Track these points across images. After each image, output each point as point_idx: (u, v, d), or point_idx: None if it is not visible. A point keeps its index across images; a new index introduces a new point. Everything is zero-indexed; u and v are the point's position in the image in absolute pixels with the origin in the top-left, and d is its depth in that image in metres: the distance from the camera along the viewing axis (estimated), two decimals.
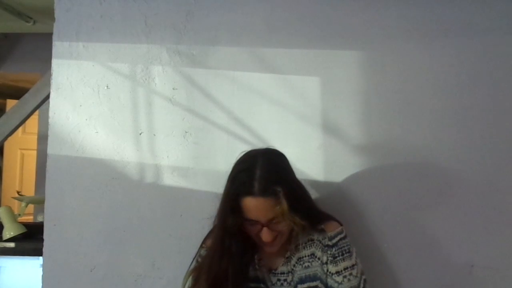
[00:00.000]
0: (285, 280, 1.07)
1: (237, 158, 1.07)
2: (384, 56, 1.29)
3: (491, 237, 1.24)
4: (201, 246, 1.14)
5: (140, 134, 1.36)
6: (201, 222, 1.30)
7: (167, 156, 1.34)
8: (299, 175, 1.08)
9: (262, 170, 0.98)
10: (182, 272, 1.29)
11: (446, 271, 1.24)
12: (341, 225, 1.09)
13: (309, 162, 1.28)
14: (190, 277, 1.09)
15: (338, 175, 1.27)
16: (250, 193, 0.96)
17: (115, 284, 1.34)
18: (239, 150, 1.30)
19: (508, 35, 1.26)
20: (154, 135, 1.35)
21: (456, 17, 1.27)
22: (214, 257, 1.03)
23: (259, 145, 1.30)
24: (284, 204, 0.94)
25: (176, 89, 1.35)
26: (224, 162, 1.32)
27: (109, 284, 1.34)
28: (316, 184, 1.27)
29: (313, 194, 1.22)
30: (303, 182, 1.08)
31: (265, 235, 0.98)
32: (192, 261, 1.14)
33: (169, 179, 1.34)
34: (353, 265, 1.04)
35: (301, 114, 1.30)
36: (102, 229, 1.35)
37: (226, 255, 1.01)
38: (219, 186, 1.31)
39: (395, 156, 1.27)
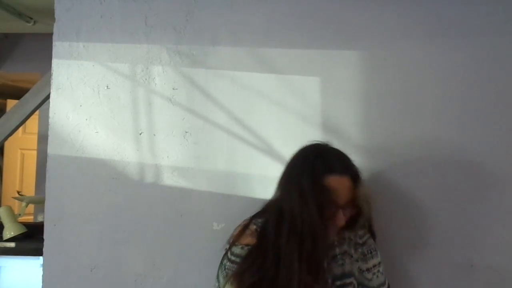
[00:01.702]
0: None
1: (298, 151, 1.04)
2: (384, 56, 1.29)
3: (491, 237, 1.24)
4: (233, 244, 1.05)
5: (140, 134, 1.36)
6: (201, 222, 1.30)
7: (167, 156, 1.34)
8: None
9: (339, 153, 1.02)
10: (182, 272, 1.30)
11: (446, 271, 1.24)
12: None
13: None
14: (230, 279, 1.01)
15: None
16: (336, 171, 0.96)
17: (115, 284, 1.34)
18: (239, 150, 1.31)
19: (508, 35, 1.26)
20: (154, 135, 1.35)
21: (456, 17, 1.27)
22: (304, 243, 0.94)
23: (259, 145, 1.31)
24: (360, 187, 0.97)
25: (176, 89, 1.35)
26: (224, 162, 1.32)
27: (109, 284, 1.34)
28: None
29: None
30: None
31: (341, 218, 0.97)
32: (222, 261, 1.06)
33: (169, 179, 1.34)
34: (379, 263, 1.09)
35: (301, 114, 1.30)
36: (102, 229, 1.35)
37: (321, 239, 0.95)
38: (219, 186, 1.31)
39: (395, 155, 1.27)
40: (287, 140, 1.29)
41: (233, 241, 1.07)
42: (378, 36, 1.29)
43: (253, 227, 1.06)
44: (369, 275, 1.08)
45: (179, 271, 1.31)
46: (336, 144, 1.25)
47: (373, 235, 1.12)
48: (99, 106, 1.37)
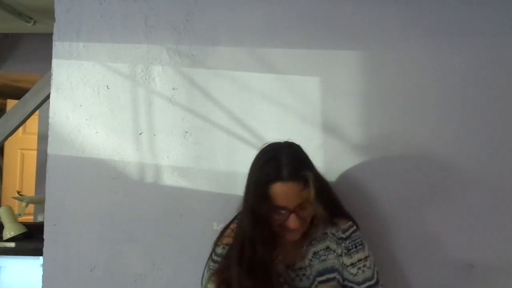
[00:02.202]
0: (303, 275, 1.08)
1: (259, 151, 1.08)
2: (384, 55, 1.29)
3: (491, 237, 1.24)
4: (216, 245, 1.11)
5: (140, 134, 1.36)
6: (201, 222, 1.30)
7: (167, 156, 1.34)
8: None
9: (289, 158, 1.00)
10: (182, 272, 1.30)
11: (446, 271, 1.24)
12: (356, 225, 1.11)
13: None
14: (212, 280, 1.07)
15: (338, 175, 1.27)
16: (279, 178, 0.97)
17: (115, 284, 1.34)
18: (239, 150, 1.31)
19: (508, 35, 1.26)
20: (154, 135, 1.35)
21: (456, 17, 1.27)
22: (245, 248, 1.01)
23: (259, 145, 1.30)
24: (312, 189, 0.96)
25: (176, 89, 1.35)
26: (224, 162, 1.32)
27: (109, 284, 1.34)
28: None
29: None
30: None
31: (293, 221, 0.98)
32: (207, 262, 1.11)
33: (169, 179, 1.34)
34: (366, 257, 1.08)
35: (301, 114, 1.30)
36: (102, 229, 1.35)
37: (258, 244, 1.00)
38: (219, 186, 1.31)
39: (395, 155, 1.27)
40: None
41: (216, 242, 1.12)
42: (378, 36, 1.29)
43: (233, 226, 1.11)
44: (353, 270, 1.06)
45: (179, 271, 1.31)
46: (336, 144, 1.25)
47: (350, 219, 1.11)
48: (99, 106, 1.37)
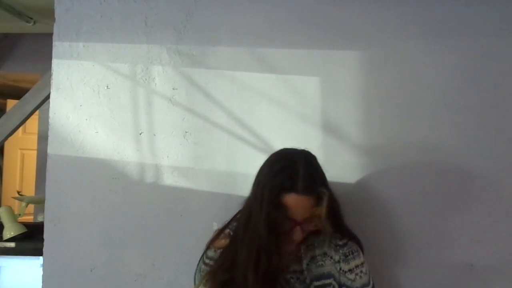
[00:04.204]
0: (297, 278, 1.07)
1: (273, 154, 1.06)
2: (384, 56, 1.29)
3: (491, 237, 1.24)
4: (208, 247, 1.12)
5: (140, 134, 1.36)
6: (201, 222, 1.30)
7: (167, 156, 1.34)
8: None
9: (306, 170, 0.98)
10: (182, 272, 1.30)
11: (446, 271, 1.24)
12: (361, 248, 1.10)
13: None
14: (204, 283, 1.06)
15: (338, 175, 1.27)
16: (294, 190, 0.95)
17: (115, 284, 1.34)
18: (239, 150, 1.31)
19: (508, 35, 1.26)
20: (154, 135, 1.35)
21: (456, 17, 1.27)
22: (260, 255, 0.98)
23: (259, 145, 1.31)
24: (325, 207, 0.95)
25: (176, 89, 1.35)
26: (224, 162, 1.32)
27: (109, 284, 1.34)
28: None
29: None
30: None
31: (298, 234, 0.99)
32: (198, 264, 1.12)
33: (169, 179, 1.34)
34: (362, 263, 1.08)
35: (301, 114, 1.30)
36: (102, 229, 1.35)
37: (274, 253, 0.98)
38: (219, 186, 1.32)
39: (395, 156, 1.27)
40: (287, 140, 1.29)
41: (208, 245, 1.12)
42: (378, 36, 1.29)
43: (227, 231, 1.11)
44: (351, 276, 1.06)
45: (179, 271, 1.31)
46: (336, 144, 1.25)
47: (354, 239, 1.10)
48: (99, 106, 1.37)
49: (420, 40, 1.28)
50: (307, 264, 1.08)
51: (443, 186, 1.25)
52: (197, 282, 1.10)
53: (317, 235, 1.07)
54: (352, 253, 1.07)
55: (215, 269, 1.04)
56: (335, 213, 1.05)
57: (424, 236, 1.25)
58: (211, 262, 1.08)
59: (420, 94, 1.27)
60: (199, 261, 1.13)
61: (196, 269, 1.13)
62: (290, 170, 0.98)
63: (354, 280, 1.06)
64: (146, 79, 1.37)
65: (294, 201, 0.96)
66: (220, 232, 1.13)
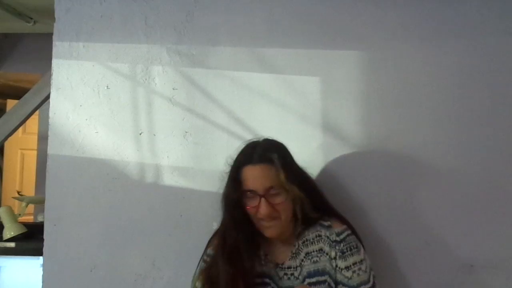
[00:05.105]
0: (292, 274, 1.07)
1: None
2: (384, 56, 1.29)
3: (491, 237, 1.24)
4: (207, 246, 1.15)
5: (140, 134, 1.36)
6: (201, 222, 1.30)
7: (167, 156, 1.34)
8: None
9: (262, 145, 1.06)
10: (182, 272, 1.30)
11: (446, 271, 1.24)
12: (346, 224, 1.10)
13: (309, 161, 1.27)
14: (199, 278, 1.09)
15: (337, 175, 1.27)
16: (249, 162, 1.02)
17: (115, 284, 1.34)
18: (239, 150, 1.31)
19: (508, 35, 1.26)
20: (154, 135, 1.35)
21: (456, 17, 1.27)
22: (226, 236, 1.06)
23: None
24: (280, 171, 0.99)
25: (176, 89, 1.35)
26: (224, 162, 1.31)
27: (109, 284, 1.34)
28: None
29: None
30: None
31: (263, 207, 1.00)
32: (199, 262, 1.14)
33: (169, 179, 1.34)
34: (361, 260, 1.05)
35: (301, 114, 1.30)
36: (102, 229, 1.35)
37: (235, 228, 1.05)
38: (219, 186, 1.31)
39: (395, 155, 1.27)
40: (287, 140, 1.28)
41: (208, 243, 1.15)
42: (378, 36, 1.29)
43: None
44: (348, 273, 1.03)
45: (179, 271, 1.31)
46: (336, 143, 1.26)
47: (339, 218, 1.11)
48: (99, 106, 1.37)
49: (419, 40, 1.28)
50: (302, 260, 1.07)
51: (444, 186, 1.25)
52: (194, 278, 1.12)
53: (308, 227, 1.08)
54: (350, 250, 1.05)
55: (209, 266, 1.08)
56: (311, 192, 1.07)
57: (424, 236, 1.25)
58: (209, 259, 1.11)
59: (420, 94, 1.27)
60: (200, 259, 1.14)
61: (197, 268, 1.13)
62: (248, 148, 1.07)
63: (351, 278, 1.03)
64: (146, 79, 1.37)
65: (250, 172, 1.01)
66: (217, 230, 1.15)
